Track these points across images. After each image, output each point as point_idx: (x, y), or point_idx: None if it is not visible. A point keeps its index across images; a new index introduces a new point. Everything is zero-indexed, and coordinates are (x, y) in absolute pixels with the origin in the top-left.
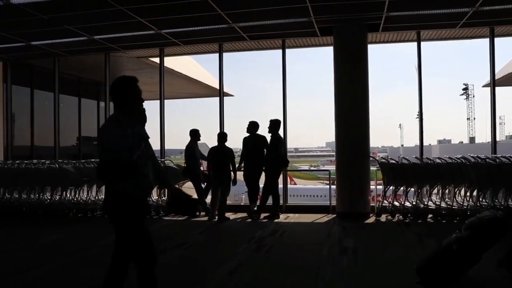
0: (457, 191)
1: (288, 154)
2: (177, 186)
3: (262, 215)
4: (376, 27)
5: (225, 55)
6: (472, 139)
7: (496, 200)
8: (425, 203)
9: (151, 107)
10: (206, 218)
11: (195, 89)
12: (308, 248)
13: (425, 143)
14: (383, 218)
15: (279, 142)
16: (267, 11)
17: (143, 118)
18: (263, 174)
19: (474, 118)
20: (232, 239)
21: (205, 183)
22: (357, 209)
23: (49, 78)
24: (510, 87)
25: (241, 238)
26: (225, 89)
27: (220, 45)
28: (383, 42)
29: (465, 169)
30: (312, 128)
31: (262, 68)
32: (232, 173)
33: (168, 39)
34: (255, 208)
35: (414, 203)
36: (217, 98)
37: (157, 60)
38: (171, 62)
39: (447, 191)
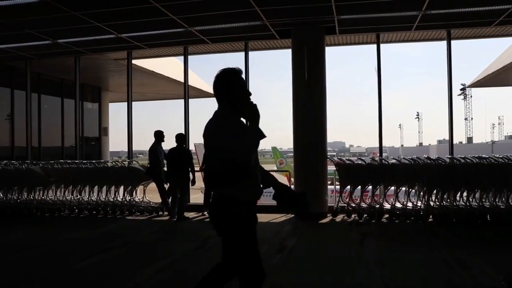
0: (411, 192)
1: (289, 154)
2: (142, 186)
3: None
4: (333, 29)
5: (222, 55)
6: (469, 139)
7: (448, 200)
8: (381, 203)
9: (137, 107)
10: (167, 218)
11: (179, 90)
12: None
13: (425, 143)
14: (339, 218)
15: None
16: (220, 15)
17: (255, 114)
18: None
19: (472, 118)
20: (179, 238)
21: (168, 184)
22: (315, 209)
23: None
24: (506, 87)
25: (189, 237)
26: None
27: (185, 48)
28: (343, 44)
29: (418, 169)
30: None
31: (261, 69)
32: (190, 174)
33: (130, 42)
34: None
35: (369, 203)
36: (205, 99)
37: (136, 62)
38: (154, 64)
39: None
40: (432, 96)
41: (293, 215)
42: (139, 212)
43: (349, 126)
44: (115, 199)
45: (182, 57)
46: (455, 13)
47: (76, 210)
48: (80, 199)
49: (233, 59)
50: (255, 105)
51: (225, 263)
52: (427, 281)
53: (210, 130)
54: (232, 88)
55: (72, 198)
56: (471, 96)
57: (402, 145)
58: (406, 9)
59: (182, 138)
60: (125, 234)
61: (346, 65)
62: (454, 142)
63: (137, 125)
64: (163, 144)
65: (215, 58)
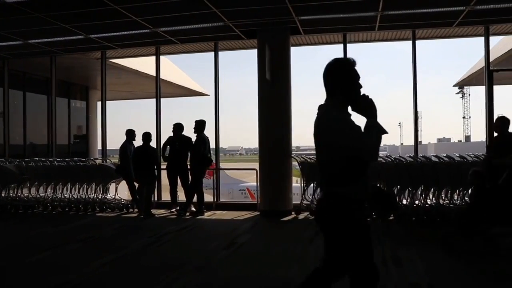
0: None
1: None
2: (112, 183)
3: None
4: (297, 30)
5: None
6: (467, 138)
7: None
8: None
9: (125, 106)
10: (136, 215)
11: (168, 89)
12: (198, 243)
13: (425, 141)
14: (302, 216)
15: (202, 142)
16: (182, 16)
17: (373, 107)
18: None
19: (470, 117)
20: (137, 234)
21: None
22: (278, 207)
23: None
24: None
25: (147, 233)
26: (202, 89)
27: (156, 48)
28: (311, 44)
29: (378, 168)
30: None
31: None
32: (156, 172)
33: (101, 43)
34: (178, 208)
35: None
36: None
37: (118, 61)
38: (140, 63)
39: None
40: (431, 94)
41: (258, 213)
42: (110, 209)
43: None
44: (87, 196)
45: (172, 56)
46: (416, 13)
47: (50, 207)
48: (53, 196)
49: (224, 58)
50: (371, 98)
51: (328, 266)
52: None
53: (327, 124)
54: (350, 78)
55: (46, 195)
56: (469, 95)
57: (402, 144)
58: (365, 10)
59: (148, 137)
60: (89, 230)
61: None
62: (453, 141)
63: (127, 124)
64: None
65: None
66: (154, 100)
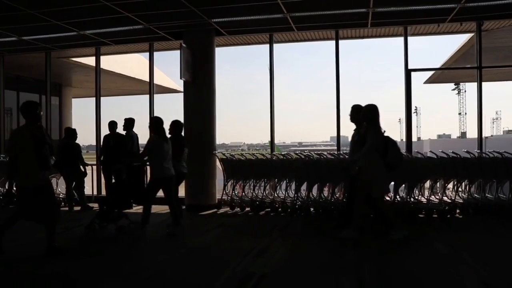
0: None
1: (292, 148)
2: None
3: None
4: (221, 31)
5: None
6: (463, 134)
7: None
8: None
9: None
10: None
11: (139, 86)
12: (100, 232)
13: (426, 137)
14: (222, 210)
15: (130, 140)
16: (98, 20)
17: None
18: None
19: (466, 113)
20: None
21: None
22: (201, 202)
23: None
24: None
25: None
26: (177, 87)
27: (96, 49)
28: (238, 44)
29: (295, 164)
30: (317, 123)
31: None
32: (81, 167)
33: (95, 39)
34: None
35: (251, 196)
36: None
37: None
38: (111, 61)
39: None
40: (431, 90)
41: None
42: None
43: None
44: None
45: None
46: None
47: None
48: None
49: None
50: None
51: None
52: (208, 264)
53: None
54: None
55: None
56: (465, 91)
57: (401, 140)
58: (267, 13)
59: (72, 133)
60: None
61: (348, 60)
62: (453, 137)
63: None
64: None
65: None
66: (127, 97)
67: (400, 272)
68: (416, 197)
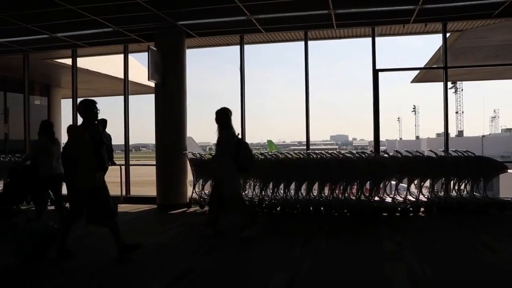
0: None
1: (292, 147)
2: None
3: None
4: (190, 33)
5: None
6: (460, 133)
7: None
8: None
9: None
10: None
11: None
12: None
13: (424, 136)
14: (192, 209)
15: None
16: (67, 23)
17: None
18: None
19: (463, 112)
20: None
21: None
22: (171, 201)
23: None
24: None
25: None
26: None
27: (73, 51)
28: (209, 45)
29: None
30: (317, 121)
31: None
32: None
33: (68, 41)
34: None
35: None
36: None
37: (65, 61)
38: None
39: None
40: (429, 88)
41: (155, 206)
42: None
43: (353, 120)
44: None
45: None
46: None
47: None
48: None
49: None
50: None
51: None
52: (170, 260)
53: None
54: None
55: None
56: (462, 90)
57: (400, 138)
58: (231, 15)
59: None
60: None
61: (347, 59)
62: (452, 136)
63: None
64: None
65: None
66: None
67: (331, 267)
68: (381, 196)
